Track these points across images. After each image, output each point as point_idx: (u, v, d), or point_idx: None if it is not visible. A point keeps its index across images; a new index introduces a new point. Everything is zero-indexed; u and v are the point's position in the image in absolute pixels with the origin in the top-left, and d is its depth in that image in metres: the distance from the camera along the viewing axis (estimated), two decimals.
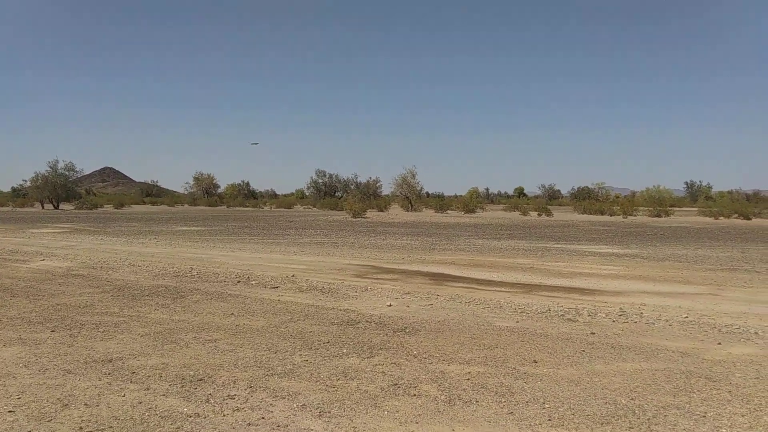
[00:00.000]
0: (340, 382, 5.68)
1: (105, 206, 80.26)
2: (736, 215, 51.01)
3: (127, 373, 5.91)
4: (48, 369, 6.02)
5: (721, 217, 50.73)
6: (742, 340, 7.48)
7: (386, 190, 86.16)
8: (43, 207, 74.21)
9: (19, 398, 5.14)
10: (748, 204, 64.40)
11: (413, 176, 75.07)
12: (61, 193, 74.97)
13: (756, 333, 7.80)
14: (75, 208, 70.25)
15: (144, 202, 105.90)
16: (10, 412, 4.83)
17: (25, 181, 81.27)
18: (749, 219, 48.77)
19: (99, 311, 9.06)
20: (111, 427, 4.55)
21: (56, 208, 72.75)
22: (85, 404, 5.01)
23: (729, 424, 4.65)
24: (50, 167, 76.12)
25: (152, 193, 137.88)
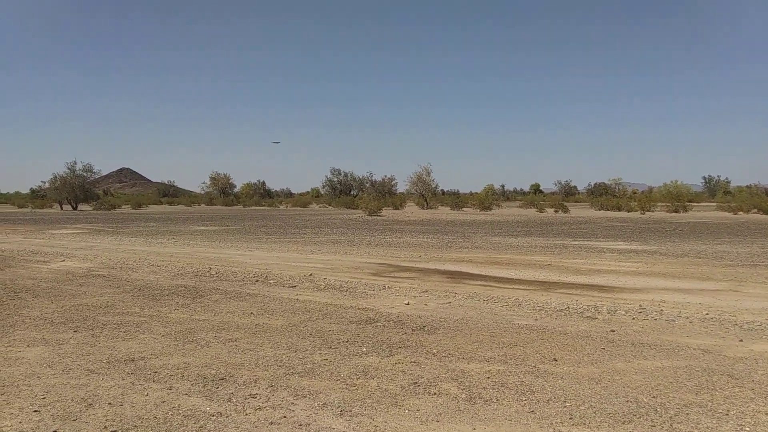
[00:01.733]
0: (361, 380, 5.70)
1: (123, 207, 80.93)
2: (756, 210, 50.52)
3: (149, 372, 5.97)
4: (72, 369, 6.10)
5: (740, 212, 50.27)
6: (764, 336, 7.41)
7: (401, 187, 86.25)
8: (61, 208, 74.92)
9: (44, 398, 5.21)
10: (767, 198, 63.64)
11: (428, 174, 75.24)
12: (79, 194, 75.68)
13: None
14: (93, 209, 70.82)
15: (161, 203, 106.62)
16: (35, 411, 4.90)
17: (44, 182, 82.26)
18: None
19: (120, 311, 9.15)
20: (135, 426, 4.60)
21: (75, 209, 73.43)
22: (109, 404, 5.07)
23: (752, 422, 4.62)
24: (68, 168, 76.94)
25: (169, 193, 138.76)
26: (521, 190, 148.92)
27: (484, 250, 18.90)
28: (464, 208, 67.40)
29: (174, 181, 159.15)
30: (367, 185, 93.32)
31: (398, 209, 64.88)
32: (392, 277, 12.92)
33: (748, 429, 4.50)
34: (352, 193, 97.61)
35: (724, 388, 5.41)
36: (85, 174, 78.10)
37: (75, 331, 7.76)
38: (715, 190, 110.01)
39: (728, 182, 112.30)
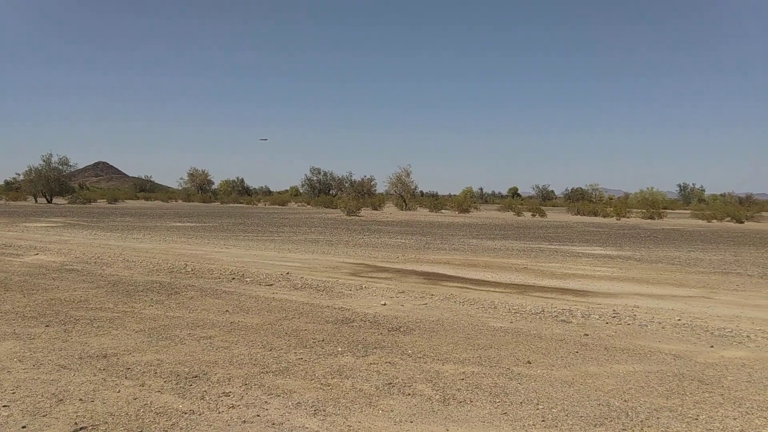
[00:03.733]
0: (335, 380, 5.70)
1: (98, 201, 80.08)
2: (729, 218, 51.24)
3: (121, 368, 5.91)
4: (42, 364, 6.02)
5: (714, 220, 50.96)
6: (735, 343, 7.53)
7: (381, 188, 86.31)
8: (36, 201, 73.94)
9: (13, 393, 5.14)
10: (740, 207, 64.74)
11: (408, 175, 75.36)
12: (54, 187, 74.75)
13: (748, 336, 7.85)
14: (68, 203, 69.99)
15: (137, 197, 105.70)
16: (4, 406, 4.82)
17: (19, 174, 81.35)
18: (742, 222, 49.00)
19: (93, 307, 9.05)
20: (106, 422, 4.55)
21: (49, 202, 72.48)
22: (80, 399, 5.01)
23: (721, 427, 4.68)
24: (44, 161, 75.93)
25: (146, 188, 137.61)
26: (499, 193, 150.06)
27: (462, 253, 18.97)
28: (443, 210, 67.58)
29: (151, 176, 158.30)
30: (347, 185, 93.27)
31: (377, 210, 64.86)
32: (369, 277, 12.92)
33: None
34: (331, 192, 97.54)
35: (694, 393, 5.49)
36: (60, 167, 77.12)
37: (47, 326, 7.66)
38: (689, 197, 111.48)
39: (703, 190, 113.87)
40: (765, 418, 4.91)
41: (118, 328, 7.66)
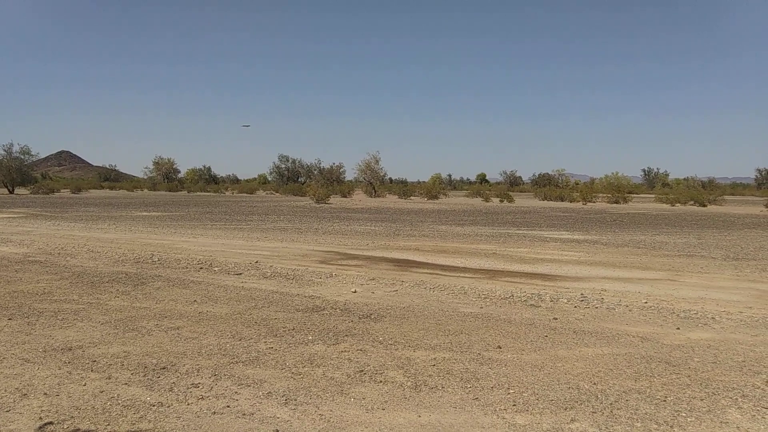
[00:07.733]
0: (306, 369, 5.66)
1: (62, 191, 78.59)
2: (692, 202, 52.16)
3: (87, 361, 5.79)
4: (5, 358, 5.87)
5: (678, 204, 51.83)
6: (700, 325, 7.66)
7: (350, 175, 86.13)
8: None
9: None
10: (703, 191, 65.86)
11: (377, 162, 75.24)
12: (16, 177, 73.00)
13: (713, 318, 7.99)
14: (31, 193, 68.51)
15: (102, 187, 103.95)
16: None
17: None
18: (705, 206, 49.89)
19: (57, 298, 8.86)
20: (72, 417, 4.45)
21: (11, 192, 70.87)
22: (45, 394, 4.90)
23: (688, 408, 4.76)
24: (5, 150, 73.99)
25: (110, 177, 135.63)
26: (467, 179, 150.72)
27: (431, 239, 19.01)
28: (412, 197, 67.64)
29: (116, 166, 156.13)
30: (316, 172, 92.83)
31: (346, 197, 64.70)
32: (339, 264, 12.87)
33: (684, 414, 4.63)
34: (300, 180, 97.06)
35: (661, 375, 5.56)
36: (22, 156, 75.26)
37: (9, 319, 7.48)
38: (654, 182, 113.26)
39: (667, 175, 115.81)
40: (731, 398, 5.00)
41: (84, 320, 7.52)
